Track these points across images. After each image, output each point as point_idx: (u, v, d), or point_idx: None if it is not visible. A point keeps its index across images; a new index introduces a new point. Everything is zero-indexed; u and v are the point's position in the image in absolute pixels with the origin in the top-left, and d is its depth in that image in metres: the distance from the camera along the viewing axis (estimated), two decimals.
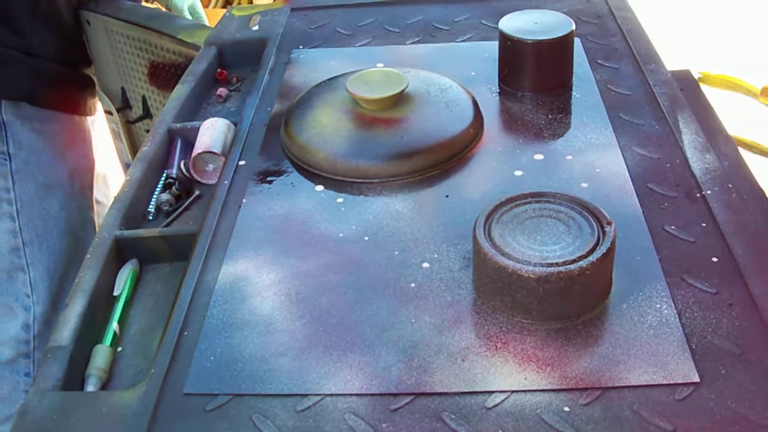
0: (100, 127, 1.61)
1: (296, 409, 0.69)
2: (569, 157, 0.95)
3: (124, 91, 1.60)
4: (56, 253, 1.37)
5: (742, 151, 1.04)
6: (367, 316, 0.77)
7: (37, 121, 1.35)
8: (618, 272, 0.78)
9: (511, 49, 1.07)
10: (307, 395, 0.70)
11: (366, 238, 0.86)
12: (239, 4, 2.65)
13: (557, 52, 1.07)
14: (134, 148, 1.68)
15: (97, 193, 1.56)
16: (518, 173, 0.94)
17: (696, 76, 1.22)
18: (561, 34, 1.05)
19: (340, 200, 0.92)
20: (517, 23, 1.07)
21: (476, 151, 0.98)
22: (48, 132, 1.37)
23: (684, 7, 3.27)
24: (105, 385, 0.79)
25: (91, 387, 0.78)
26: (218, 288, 0.82)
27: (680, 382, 0.68)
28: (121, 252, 0.92)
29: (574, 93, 1.07)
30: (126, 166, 1.77)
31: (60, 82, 1.41)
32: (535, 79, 1.08)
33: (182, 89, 1.18)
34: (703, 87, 1.19)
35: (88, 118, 1.51)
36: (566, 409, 0.67)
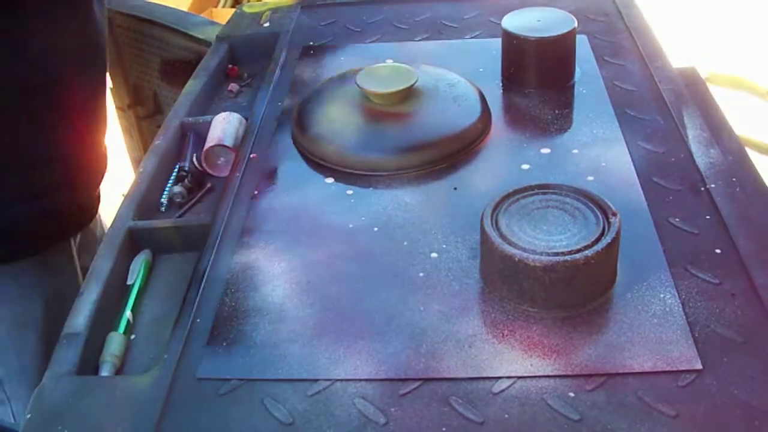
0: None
1: (307, 393, 0.70)
2: (576, 151, 0.97)
3: (135, 88, 1.62)
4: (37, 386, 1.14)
5: (748, 150, 1.05)
6: (376, 304, 0.78)
7: None
8: (623, 262, 0.79)
9: (514, 47, 1.09)
10: (317, 380, 0.71)
11: (375, 229, 0.88)
12: (249, 1, 2.67)
13: (560, 49, 1.08)
14: (144, 144, 1.70)
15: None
16: (525, 167, 0.95)
17: (703, 75, 1.23)
18: (564, 31, 1.06)
19: (350, 192, 0.94)
20: (520, 21, 1.09)
21: (484, 145, 1.00)
22: (10, 275, 1.12)
23: (693, 7, 3.27)
24: (118, 372, 0.80)
25: (105, 373, 0.79)
26: (230, 276, 0.83)
27: (683, 369, 0.69)
28: (134, 242, 0.94)
29: (580, 89, 1.09)
30: (136, 162, 1.79)
31: (9, 230, 1.09)
32: (538, 76, 1.09)
33: (194, 84, 1.20)
34: (711, 87, 1.20)
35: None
36: (571, 394, 0.68)
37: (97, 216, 1.28)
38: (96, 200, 1.24)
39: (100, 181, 1.24)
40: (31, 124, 1.05)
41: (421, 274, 0.81)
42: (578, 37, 1.10)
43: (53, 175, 1.10)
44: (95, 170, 1.21)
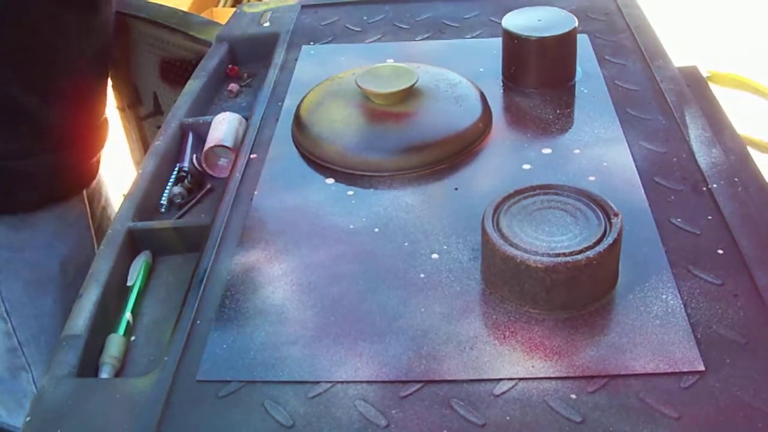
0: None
1: (307, 395, 0.70)
2: (577, 151, 0.96)
3: (135, 88, 1.62)
4: None
5: (750, 150, 1.05)
6: (377, 306, 0.78)
7: (14, 216, 1.16)
8: (625, 263, 0.79)
9: (515, 47, 1.08)
10: (318, 382, 0.71)
11: (376, 230, 0.87)
12: (249, 1, 2.66)
13: (561, 48, 1.08)
14: (144, 144, 1.70)
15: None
16: (526, 167, 0.95)
17: (705, 74, 1.23)
18: (564, 31, 1.06)
19: (350, 193, 0.93)
20: (521, 21, 1.08)
21: (485, 145, 0.99)
22: (29, 226, 1.17)
23: (694, 5, 3.27)
24: (118, 374, 0.80)
25: (105, 374, 0.79)
26: (230, 278, 0.83)
27: (686, 370, 0.69)
28: (134, 243, 0.93)
29: (582, 89, 1.08)
30: (136, 162, 1.78)
31: (27, 178, 1.14)
32: (539, 76, 1.09)
33: (194, 85, 1.20)
34: (712, 86, 1.20)
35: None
36: (573, 396, 0.68)
37: (99, 184, 1.35)
38: (95, 165, 1.28)
39: (99, 149, 1.28)
40: (32, 79, 1.11)
41: (422, 276, 0.81)
42: (579, 36, 1.10)
43: (49, 134, 1.15)
44: (93, 136, 1.25)
